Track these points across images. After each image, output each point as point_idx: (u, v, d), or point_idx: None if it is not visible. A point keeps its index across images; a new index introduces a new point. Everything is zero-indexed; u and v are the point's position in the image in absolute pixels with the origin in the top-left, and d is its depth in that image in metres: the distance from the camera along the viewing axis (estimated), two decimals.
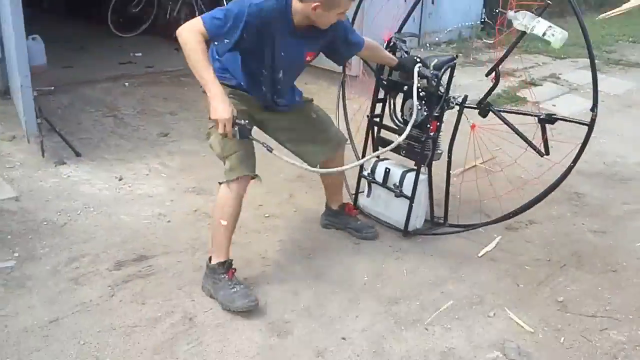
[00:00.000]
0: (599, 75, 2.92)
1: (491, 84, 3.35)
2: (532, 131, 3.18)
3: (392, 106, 3.51)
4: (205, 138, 3.03)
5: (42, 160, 4.01)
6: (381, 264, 3.23)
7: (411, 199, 3.40)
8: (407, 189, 3.42)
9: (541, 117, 3.13)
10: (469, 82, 6.56)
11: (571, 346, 2.69)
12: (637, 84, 7.34)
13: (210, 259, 2.91)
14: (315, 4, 2.63)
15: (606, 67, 7.97)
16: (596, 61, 2.92)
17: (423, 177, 3.44)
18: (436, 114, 3.27)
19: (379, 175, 3.57)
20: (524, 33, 3.06)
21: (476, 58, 8.03)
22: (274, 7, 2.66)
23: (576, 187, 4.22)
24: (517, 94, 6.37)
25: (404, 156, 3.46)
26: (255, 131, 2.89)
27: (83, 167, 4.02)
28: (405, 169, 3.49)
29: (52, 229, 3.30)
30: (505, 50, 3.26)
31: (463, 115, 3.36)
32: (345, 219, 3.51)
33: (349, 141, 3.62)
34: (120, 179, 3.92)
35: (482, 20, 9.11)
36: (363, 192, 3.72)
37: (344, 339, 2.66)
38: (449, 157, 3.47)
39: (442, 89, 3.23)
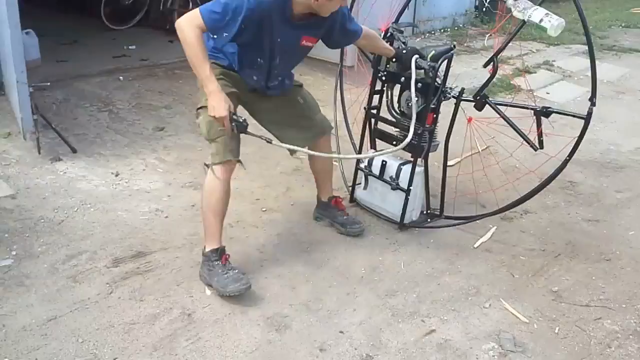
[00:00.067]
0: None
1: (486, 73, 3.36)
2: (529, 121, 3.19)
3: (389, 97, 3.53)
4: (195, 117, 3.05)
5: (38, 157, 4.00)
6: (378, 256, 3.26)
7: (407, 191, 3.42)
8: (403, 182, 3.44)
9: (537, 110, 3.14)
10: (463, 71, 6.59)
11: (566, 336, 2.73)
12: (630, 70, 7.36)
13: (205, 247, 2.97)
14: None
15: (599, 53, 7.95)
16: (591, 40, 2.93)
17: (419, 169, 3.46)
18: (433, 106, 3.28)
19: (376, 168, 3.58)
20: (523, 22, 3.07)
21: (470, 46, 8.03)
22: (273, 0, 2.67)
23: (570, 176, 4.25)
24: (511, 82, 6.38)
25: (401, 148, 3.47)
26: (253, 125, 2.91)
27: (79, 163, 4.02)
28: (401, 162, 3.51)
29: (49, 227, 3.30)
30: (504, 41, 3.26)
31: (459, 108, 3.37)
32: (332, 212, 3.50)
33: (334, 131, 3.63)
34: (116, 175, 3.93)
35: (481, 7, 9.09)
36: (360, 184, 3.73)
37: (342, 332, 2.69)
38: (446, 149, 3.49)
39: (439, 80, 3.23)
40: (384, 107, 3.57)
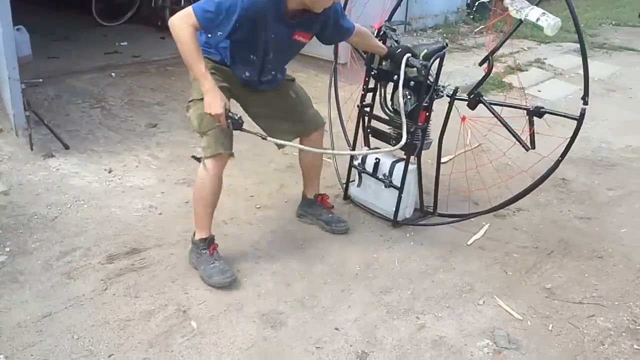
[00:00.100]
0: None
1: (479, 71, 3.37)
2: (522, 119, 3.20)
3: (382, 95, 3.54)
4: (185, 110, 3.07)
5: (30, 153, 3.98)
6: (372, 253, 3.27)
7: (400, 189, 3.43)
8: (396, 179, 3.45)
9: (530, 110, 3.15)
10: (455, 68, 6.61)
11: (559, 333, 2.75)
12: (621, 68, 7.41)
13: (194, 233, 3.03)
14: None
15: (590, 51, 7.99)
16: (584, 40, 2.95)
17: (412, 167, 3.46)
18: (425, 104, 3.29)
19: (369, 165, 3.59)
20: (520, 22, 3.08)
21: (462, 43, 8.05)
22: None
23: (562, 173, 4.27)
24: (503, 79, 6.40)
25: (394, 146, 3.48)
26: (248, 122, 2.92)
27: (72, 160, 4.00)
28: (394, 159, 3.51)
29: (43, 223, 3.29)
30: (500, 40, 3.27)
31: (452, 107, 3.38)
32: (317, 210, 3.50)
33: (327, 128, 3.65)
34: (109, 171, 3.91)
35: (472, 4, 9.12)
36: (354, 181, 3.74)
37: (337, 329, 2.69)
38: (439, 148, 3.50)
39: (431, 79, 3.24)
40: (377, 105, 3.58)
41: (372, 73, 3.49)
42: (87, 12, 7.36)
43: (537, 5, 3.04)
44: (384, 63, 3.43)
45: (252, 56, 2.87)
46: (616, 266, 3.28)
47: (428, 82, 3.22)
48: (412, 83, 3.24)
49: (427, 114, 3.35)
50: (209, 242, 2.99)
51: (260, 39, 2.78)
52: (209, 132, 2.86)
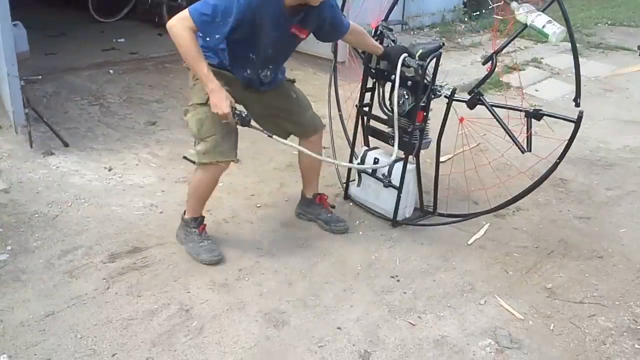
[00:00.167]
0: (579, 59, 2.96)
1: (476, 70, 3.37)
2: (520, 118, 3.21)
3: (380, 95, 3.54)
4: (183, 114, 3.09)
5: (30, 151, 3.97)
6: (374, 253, 3.28)
7: (399, 189, 3.43)
8: (395, 179, 3.46)
9: (529, 112, 3.15)
10: (452, 68, 6.63)
11: (561, 333, 2.76)
12: (617, 68, 7.43)
13: (185, 212, 3.15)
14: None
15: (586, 51, 8.04)
16: (576, 45, 2.96)
17: (411, 166, 3.47)
18: (423, 104, 3.29)
19: (368, 165, 3.59)
20: (525, 25, 3.09)
21: (459, 42, 8.06)
22: None
23: (561, 173, 4.29)
24: (501, 79, 6.41)
25: (392, 146, 3.49)
26: None
27: (71, 158, 3.99)
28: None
29: (44, 221, 3.28)
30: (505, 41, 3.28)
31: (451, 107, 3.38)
32: (316, 209, 3.51)
33: (327, 127, 3.67)
34: (109, 170, 3.90)
35: (469, 3, 9.12)
36: (354, 181, 3.74)
37: (339, 328, 2.70)
38: (438, 148, 3.51)
39: (428, 79, 3.24)
40: (375, 105, 3.58)
41: (370, 72, 3.49)
42: (83, 8, 7.33)
43: (542, 11, 3.05)
44: (381, 62, 3.43)
45: (251, 55, 2.88)
46: (616, 266, 3.30)
47: (425, 81, 3.22)
48: (409, 83, 3.25)
49: (425, 113, 3.35)
50: (199, 222, 3.13)
51: (259, 37, 2.79)
52: (208, 139, 2.88)
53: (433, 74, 3.25)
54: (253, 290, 2.89)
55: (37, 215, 3.32)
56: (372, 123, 3.64)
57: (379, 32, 3.46)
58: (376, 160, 3.56)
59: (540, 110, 3.16)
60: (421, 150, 3.48)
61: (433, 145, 3.52)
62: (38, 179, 3.69)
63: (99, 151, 4.15)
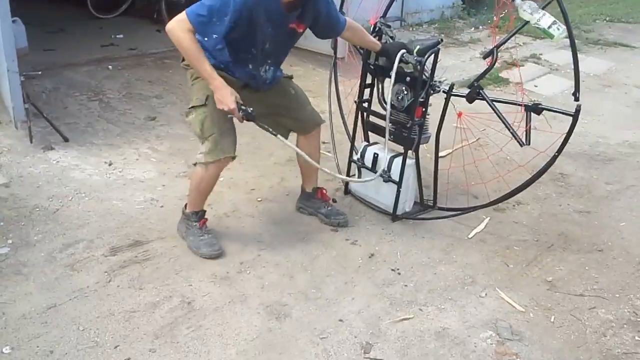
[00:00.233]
0: (578, 55, 2.97)
1: (475, 66, 3.38)
2: (518, 114, 3.21)
3: (380, 91, 3.54)
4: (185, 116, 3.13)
5: (30, 146, 3.97)
6: (375, 246, 3.28)
7: (399, 184, 3.44)
8: (395, 174, 3.46)
9: (528, 105, 3.16)
10: (452, 63, 6.63)
11: (561, 325, 2.77)
12: (615, 64, 7.45)
13: (186, 206, 3.18)
14: None
15: (585, 47, 8.05)
16: (575, 41, 2.97)
17: (410, 161, 3.47)
18: (421, 99, 3.29)
19: (368, 160, 3.60)
20: (527, 21, 3.09)
21: (458, 38, 8.07)
22: None
23: (560, 168, 4.31)
24: (500, 74, 6.43)
25: (392, 141, 3.50)
26: None
27: (72, 153, 3.99)
28: (393, 154, 3.52)
29: (44, 215, 3.28)
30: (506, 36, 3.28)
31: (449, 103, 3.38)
32: (316, 203, 3.52)
33: (327, 123, 3.68)
34: (110, 164, 3.90)
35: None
36: (354, 175, 3.75)
37: (341, 320, 2.71)
38: (437, 143, 3.51)
39: (426, 74, 3.25)
40: (375, 100, 3.58)
41: (369, 69, 3.49)
42: (81, 4, 7.32)
43: (543, 9, 3.05)
44: (380, 58, 3.43)
45: (253, 49, 2.89)
46: (616, 259, 3.31)
47: (423, 77, 3.23)
48: (407, 79, 3.25)
49: (424, 109, 3.35)
50: (200, 216, 3.15)
51: (258, 34, 2.80)
52: (209, 138, 2.92)
53: (431, 69, 3.26)
54: (254, 283, 2.90)
55: (37, 209, 3.32)
56: (372, 119, 3.64)
57: (377, 28, 3.47)
58: (375, 155, 3.56)
59: (540, 104, 3.17)
60: (421, 145, 3.49)
61: (433, 140, 3.52)
62: (38, 173, 3.69)
63: (99, 146, 4.15)
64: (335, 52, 3.87)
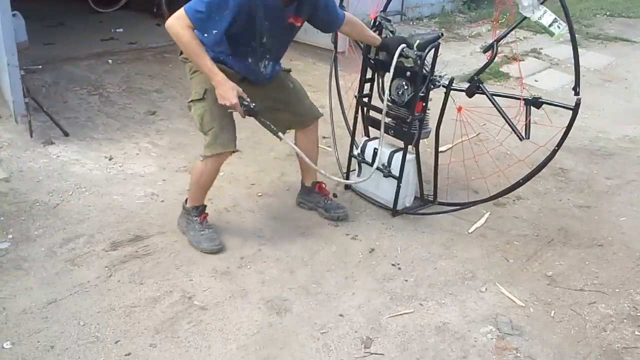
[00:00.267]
0: (579, 50, 2.97)
1: (476, 60, 3.37)
2: (518, 108, 3.21)
3: (380, 85, 3.53)
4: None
5: (30, 141, 3.97)
6: (375, 241, 3.28)
7: (399, 179, 3.44)
8: (395, 169, 3.46)
9: (528, 99, 3.15)
10: (452, 58, 6.63)
11: (561, 320, 2.77)
12: (616, 59, 7.44)
13: (186, 200, 3.18)
14: None
15: (585, 42, 8.04)
16: (576, 36, 2.96)
17: (410, 156, 3.47)
18: (422, 94, 3.29)
19: (368, 155, 3.59)
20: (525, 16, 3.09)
21: (458, 33, 8.05)
22: None
23: (561, 163, 4.31)
24: (500, 69, 6.42)
25: (392, 136, 3.50)
26: None
27: (72, 147, 3.99)
28: (393, 149, 3.52)
29: (45, 210, 3.28)
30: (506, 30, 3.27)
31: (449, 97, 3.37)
32: (316, 197, 3.52)
33: (328, 117, 3.68)
34: (110, 159, 3.90)
35: None
36: (354, 170, 3.74)
37: (341, 315, 2.71)
38: (437, 138, 3.50)
39: (427, 69, 3.24)
40: (375, 95, 3.57)
41: (369, 63, 3.48)
42: None
43: (542, 4, 3.05)
44: (380, 52, 3.43)
45: (252, 43, 2.88)
46: (616, 254, 3.31)
47: (424, 72, 3.22)
48: (408, 73, 3.25)
49: (424, 104, 3.35)
50: (200, 211, 3.15)
51: (257, 28, 2.80)
52: (209, 132, 2.93)
53: (432, 64, 3.25)
54: (255, 278, 2.90)
55: (38, 204, 3.32)
56: (372, 113, 3.63)
57: (377, 23, 3.46)
58: (375, 150, 3.55)
59: (540, 98, 3.17)
60: (421, 140, 3.48)
61: (432, 134, 3.52)
62: (38, 168, 3.69)
63: (99, 140, 4.15)
64: (335, 47, 3.86)
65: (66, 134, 4.10)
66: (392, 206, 3.52)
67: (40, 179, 3.58)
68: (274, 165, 4.03)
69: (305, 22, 3.05)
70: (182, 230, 3.17)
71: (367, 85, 3.60)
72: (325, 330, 2.61)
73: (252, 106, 2.82)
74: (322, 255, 3.13)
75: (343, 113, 4.03)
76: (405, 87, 3.28)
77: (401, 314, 2.75)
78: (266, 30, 2.83)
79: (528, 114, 3.16)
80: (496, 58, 3.26)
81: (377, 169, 3.51)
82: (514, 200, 3.80)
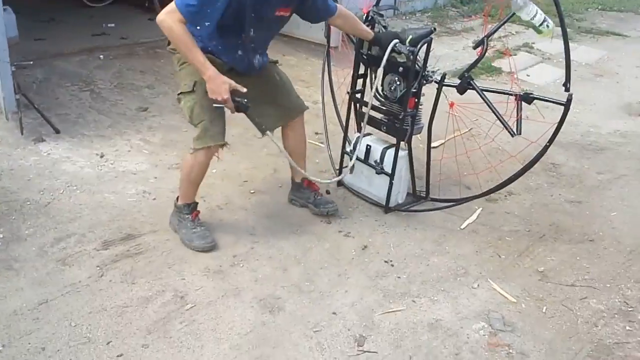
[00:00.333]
0: (570, 45, 2.97)
1: (468, 55, 3.37)
2: (510, 103, 3.21)
3: (372, 81, 3.53)
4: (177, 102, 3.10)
5: (20, 138, 3.93)
6: (368, 238, 3.29)
7: (391, 176, 3.44)
8: (387, 166, 3.46)
9: (519, 95, 3.16)
10: (445, 53, 6.62)
11: (553, 315, 2.79)
12: (608, 53, 7.46)
13: (177, 198, 3.16)
14: None
15: (577, 36, 8.07)
16: (567, 30, 2.97)
17: (403, 153, 3.47)
18: (414, 90, 3.28)
19: (361, 152, 3.58)
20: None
21: (451, 27, 8.05)
22: None
23: (552, 158, 4.32)
24: (492, 64, 6.43)
25: (385, 132, 3.50)
26: None
27: (63, 144, 3.96)
28: (385, 146, 3.52)
29: (35, 209, 3.26)
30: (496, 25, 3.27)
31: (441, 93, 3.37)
32: (306, 193, 3.51)
33: (320, 113, 3.66)
34: (101, 156, 3.88)
35: None
36: (347, 167, 3.73)
37: (334, 313, 2.71)
38: (429, 134, 3.50)
39: (419, 65, 3.23)
40: (368, 91, 3.57)
41: (362, 59, 3.48)
42: None
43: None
44: (373, 48, 3.42)
45: (243, 35, 2.87)
46: (607, 249, 3.33)
47: (416, 67, 3.21)
48: (400, 69, 3.24)
49: (417, 100, 3.34)
50: (192, 208, 3.14)
51: (246, 19, 2.78)
52: (199, 125, 2.92)
53: (424, 59, 3.24)
54: (248, 277, 2.90)
55: (28, 203, 3.30)
56: (365, 109, 3.62)
57: (370, 17, 3.45)
58: (369, 147, 3.55)
59: (531, 93, 3.17)
60: (414, 136, 3.48)
61: (425, 130, 3.52)
62: (29, 166, 3.66)
63: (91, 137, 4.12)
64: (328, 41, 3.85)
65: (57, 131, 4.08)
66: (384, 203, 3.52)
67: (31, 177, 3.55)
68: (266, 161, 4.02)
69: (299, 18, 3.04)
70: (174, 229, 3.16)
71: (360, 81, 3.59)
72: (318, 329, 2.61)
73: (243, 102, 2.81)
74: (314, 252, 3.13)
75: (336, 109, 4.03)
76: (398, 82, 3.28)
77: (394, 311, 2.75)
78: (255, 22, 2.82)
79: (519, 110, 3.17)
80: (488, 52, 3.25)
81: (370, 165, 3.52)
82: (505, 196, 3.81)
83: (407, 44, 3.20)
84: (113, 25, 6.70)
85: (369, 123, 3.60)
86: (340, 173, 3.78)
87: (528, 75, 6.40)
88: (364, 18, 3.46)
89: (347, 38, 3.77)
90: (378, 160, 3.50)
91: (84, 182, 3.56)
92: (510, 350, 2.57)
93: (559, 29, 2.95)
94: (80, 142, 4.04)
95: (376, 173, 3.51)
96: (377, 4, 3.64)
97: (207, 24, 2.69)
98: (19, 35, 5.60)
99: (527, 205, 3.76)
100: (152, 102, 4.78)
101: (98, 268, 2.86)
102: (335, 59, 4.18)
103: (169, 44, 2.93)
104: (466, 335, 2.64)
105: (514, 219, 3.59)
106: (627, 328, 2.73)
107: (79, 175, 3.64)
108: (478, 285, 2.98)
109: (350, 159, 3.66)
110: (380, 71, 3.22)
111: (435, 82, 3.31)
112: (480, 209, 3.64)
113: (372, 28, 3.41)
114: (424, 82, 3.30)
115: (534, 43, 7.44)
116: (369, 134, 3.67)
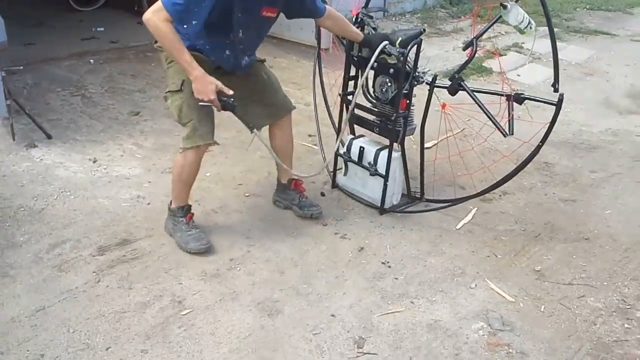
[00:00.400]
0: (559, 44, 2.99)
1: (458, 56, 3.38)
2: (502, 103, 3.22)
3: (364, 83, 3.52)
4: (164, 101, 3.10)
5: (12, 144, 3.91)
6: (364, 239, 3.28)
7: (385, 177, 3.44)
8: (381, 167, 3.46)
9: (510, 95, 3.17)
10: (435, 54, 6.64)
11: (552, 314, 2.79)
12: (597, 52, 7.50)
13: (171, 202, 3.15)
14: None
15: (566, 36, 8.11)
16: (556, 29, 3.00)
17: (396, 154, 3.47)
18: (405, 91, 3.28)
19: (354, 154, 3.59)
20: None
21: (441, 28, 8.07)
22: None
23: (545, 157, 4.34)
24: (483, 64, 6.44)
25: (377, 134, 3.50)
26: None
27: (55, 150, 3.94)
28: (379, 147, 3.51)
29: (30, 215, 3.24)
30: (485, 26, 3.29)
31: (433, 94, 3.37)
32: (291, 195, 3.49)
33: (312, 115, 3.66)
34: (94, 161, 3.86)
35: None
36: (341, 169, 3.74)
37: (333, 315, 2.71)
38: (422, 135, 3.51)
39: (410, 66, 3.23)
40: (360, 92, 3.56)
41: (352, 60, 3.48)
42: None
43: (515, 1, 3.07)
44: (363, 49, 3.42)
45: (231, 35, 2.86)
46: (603, 247, 3.35)
47: (407, 69, 3.22)
48: (391, 70, 3.24)
49: (408, 101, 3.34)
50: (186, 211, 3.13)
51: (233, 19, 2.78)
52: (188, 124, 2.91)
53: (414, 60, 3.25)
54: (245, 280, 2.89)
55: (22, 209, 3.28)
56: (357, 111, 3.62)
57: (359, 19, 3.45)
58: (362, 148, 3.55)
59: (522, 94, 3.18)
60: (407, 137, 3.48)
61: (417, 131, 3.52)
62: (22, 172, 3.64)
63: (83, 142, 4.10)
64: (318, 43, 3.84)
65: (49, 137, 4.05)
66: (379, 204, 3.52)
67: (24, 183, 3.53)
68: (260, 164, 4.01)
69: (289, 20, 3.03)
70: (170, 233, 3.15)
71: (352, 83, 3.59)
72: (317, 331, 2.60)
73: (230, 101, 2.80)
74: (311, 255, 3.13)
75: (328, 110, 4.02)
76: (389, 84, 3.28)
77: (392, 313, 2.75)
78: (242, 22, 2.82)
79: (510, 110, 3.18)
80: (479, 53, 3.26)
81: (364, 167, 3.52)
82: (500, 196, 3.82)
83: (397, 45, 3.20)
84: (102, 29, 6.68)
85: (360, 124, 3.61)
86: (334, 175, 3.77)
87: (518, 75, 6.43)
88: (354, 20, 3.46)
89: (338, 40, 3.77)
90: (372, 162, 3.50)
91: (77, 188, 3.54)
92: (510, 350, 2.57)
93: (546, 28, 2.97)
94: (72, 148, 4.01)
95: (370, 175, 3.51)
96: (366, 6, 3.64)
97: (194, 22, 2.68)
98: (7, 40, 5.56)
99: (521, 204, 3.78)
100: (143, 106, 4.76)
101: (94, 274, 2.84)
102: (326, 61, 4.18)
103: (156, 41, 2.90)
104: (465, 336, 2.64)
105: (509, 219, 3.60)
106: (626, 326, 2.74)
107: (72, 180, 3.62)
108: (475, 285, 2.99)
109: (344, 162, 3.66)
110: (366, 71, 3.21)
111: (427, 83, 3.31)
112: (475, 209, 3.65)
113: (362, 30, 3.41)
114: (415, 83, 3.30)
115: (523, 43, 7.45)
116: (361, 136, 3.67)
